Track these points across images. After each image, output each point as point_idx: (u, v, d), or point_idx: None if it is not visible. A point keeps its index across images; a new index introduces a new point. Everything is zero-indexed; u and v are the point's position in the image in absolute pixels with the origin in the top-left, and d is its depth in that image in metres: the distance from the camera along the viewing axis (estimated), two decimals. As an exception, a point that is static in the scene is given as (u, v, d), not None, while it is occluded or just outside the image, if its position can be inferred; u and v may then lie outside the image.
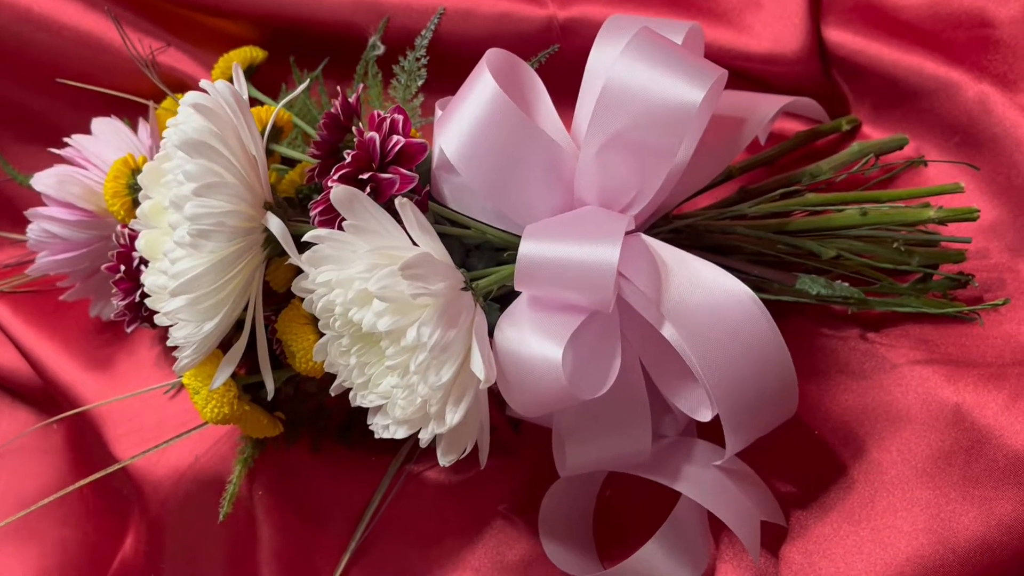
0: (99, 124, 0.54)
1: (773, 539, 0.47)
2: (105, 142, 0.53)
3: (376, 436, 0.43)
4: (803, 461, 0.48)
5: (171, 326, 0.42)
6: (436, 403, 0.38)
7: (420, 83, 0.54)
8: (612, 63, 0.41)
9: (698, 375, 0.40)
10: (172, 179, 0.40)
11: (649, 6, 0.55)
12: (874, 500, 0.46)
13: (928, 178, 0.53)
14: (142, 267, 0.49)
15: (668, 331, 0.40)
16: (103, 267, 0.50)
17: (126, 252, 0.49)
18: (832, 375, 0.49)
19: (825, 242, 0.47)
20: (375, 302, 0.38)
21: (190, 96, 0.41)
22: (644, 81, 0.40)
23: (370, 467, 0.52)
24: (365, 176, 0.41)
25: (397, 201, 0.37)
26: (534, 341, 0.39)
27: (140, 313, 0.50)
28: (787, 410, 0.43)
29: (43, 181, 0.51)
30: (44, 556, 0.55)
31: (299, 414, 0.51)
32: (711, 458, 0.46)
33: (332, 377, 0.42)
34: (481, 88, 0.42)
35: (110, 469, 0.49)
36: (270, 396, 0.44)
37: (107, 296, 0.56)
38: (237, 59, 0.56)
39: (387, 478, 0.52)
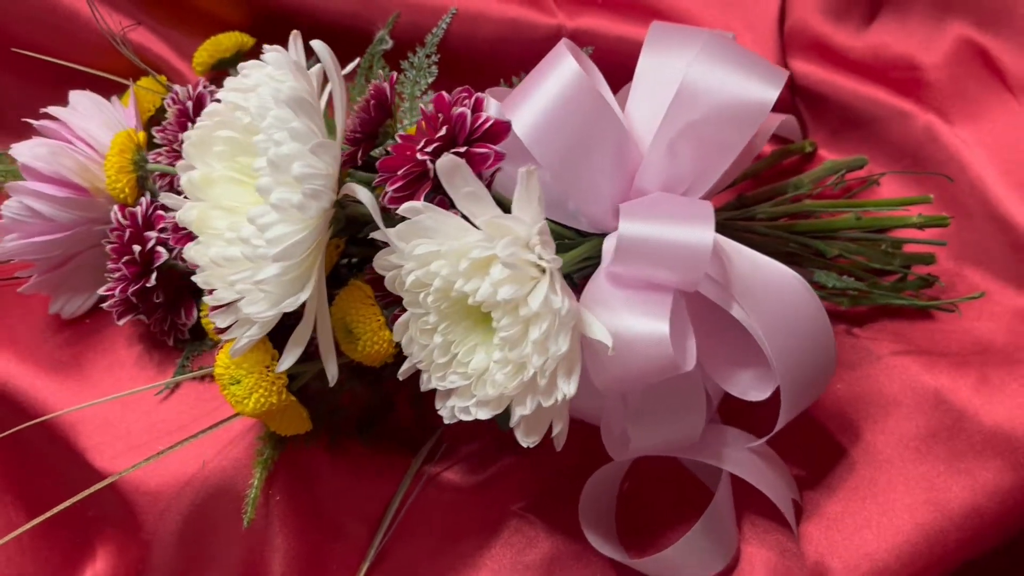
0: (78, 97, 0.49)
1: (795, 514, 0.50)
2: (88, 116, 0.48)
3: (446, 421, 0.41)
4: (807, 447, 0.52)
5: (229, 304, 0.39)
6: (547, 375, 0.38)
7: (431, 80, 0.54)
8: (688, 62, 0.43)
9: (766, 351, 0.43)
10: (266, 139, 0.37)
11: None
12: (875, 479, 0.51)
13: (880, 194, 0.60)
14: (159, 248, 0.45)
15: (737, 311, 0.43)
16: (107, 247, 0.45)
17: (137, 232, 0.45)
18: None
19: (827, 243, 0.52)
20: (494, 271, 0.37)
21: (273, 56, 0.39)
22: (721, 79, 0.42)
23: (387, 468, 0.50)
24: (461, 150, 0.40)
25: (524, 170, 0.37)
26: (632, 317, 0.40)
27: (146, 301, 0.45)
28: (826, 382, 0.46)
29: (31, 152, 0.45)
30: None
31: (317, 411, 0.48)
32: (743, 442, 0.49)
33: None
34: (561, 70, 0.42)
35: (109, 480, 0.44)
36: (333, 382, 0.41)
37: (75, 290, 0.50)
38: (227, 43, 0.54)
39: (406, 480, 0.50)
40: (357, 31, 0.54)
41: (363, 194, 0.39)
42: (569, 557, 0.51)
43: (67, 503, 0.42)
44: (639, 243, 0.40)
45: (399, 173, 0.41)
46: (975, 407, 0.51)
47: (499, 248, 0.36)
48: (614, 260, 0.41)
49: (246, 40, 0.54)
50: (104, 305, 0.47)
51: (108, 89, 0.52)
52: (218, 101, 0.40)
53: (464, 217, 0.39)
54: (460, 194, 0.38)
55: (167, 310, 0.48)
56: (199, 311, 0.48)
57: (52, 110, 0.48)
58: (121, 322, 0.47)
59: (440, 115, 0.41)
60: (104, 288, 0.47)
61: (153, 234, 0.45)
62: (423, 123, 0.42)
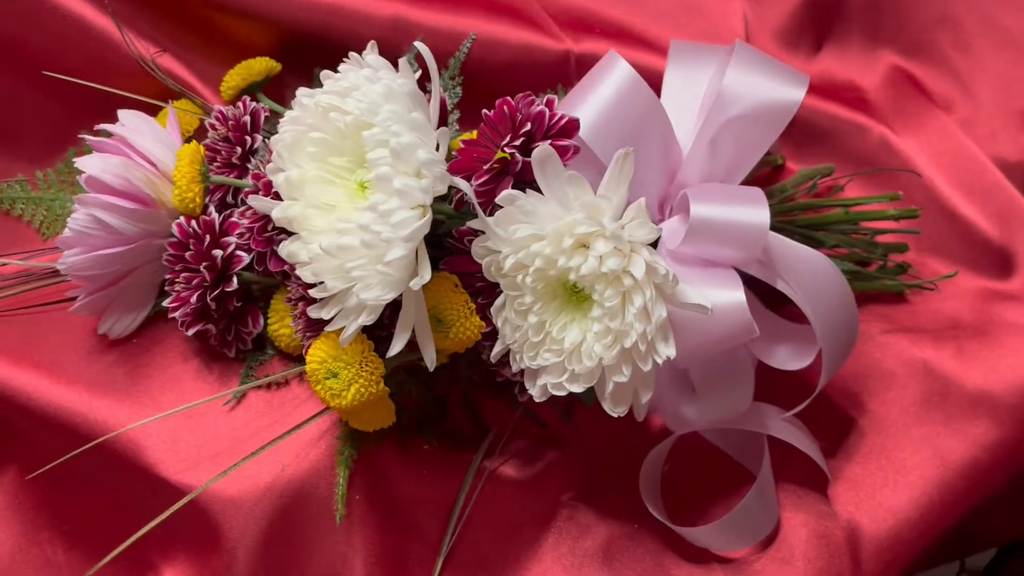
0: (127, 115, 0.49)
1: (820, 483, 0.55)
2: (140, 132, 0.48)
3: (537, 399, 0.44)
4: (822, 420, 0.57)
5: (337, 293, 0.41)
6: (647, 342, 0.41)
7: (456, 100, 0.57)
8: (716, 69, 0.49)
9: (811, 319, 0.48)
10: (382, 131, 0.39)
11: (646, 47, 0.63)
12: (884, 443, 0.56)
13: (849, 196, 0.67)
14: (239, 253, 0.45)
15: (782, 285, 0.48)
16: (167, 257, 0.45)
17: (215, 238, 0.45)
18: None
19: (825, 234, 0.58)
20: (598, 245, 0.40)
21: (375, 58, 0.42)
22: (756, 81, 0.48)
23: (448, 465, 0.51)
24: (542, 144, 0.44)
25: (622, 152, 0.41)
26: (709, 289, 0.44)
27: (222, 307, 0.46)
28: (852, 347, 0.52)
29: (101, 165, 0.45)
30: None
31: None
32: (776, 414, 0.53)
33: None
34: (616, 72, 0.47)
35: (200, 488, 0.43)
36: (432, 367, 0.43)
37: (125, 308, 0.49)
38: (258, 68, 0.55)
39: (469, 476, 0.51)
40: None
41: (463, 184, 0.42)
42: (623, 539, 0.53)
43: (155, 522, 0.42)
44: (709, 223, 0.45)
45: (484, 168, 0.44)
46: (957, 374, 0.58)
47: (607, 223, 0.40)
48: (685, 240, 0.45)
49: (275, 65, 0.55)
50: (175, 315, 0.46)
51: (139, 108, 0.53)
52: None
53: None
54: (556, 179, 0.41)
55: (232, 319, 0.48)
56: (266, 320, 0.49)
57: (108, 127, 0.48)
58: (190, 332, 0.47)
59: (519, 114, 0.44)
60: (170, 300, 0.47)
61: (232, 239, 0.45)
62: (486, 127, 0.46)
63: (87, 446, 0.44)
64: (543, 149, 0.41)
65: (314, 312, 0.43)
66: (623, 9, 0.65)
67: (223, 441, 0.47)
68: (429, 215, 0.40)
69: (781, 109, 0.48)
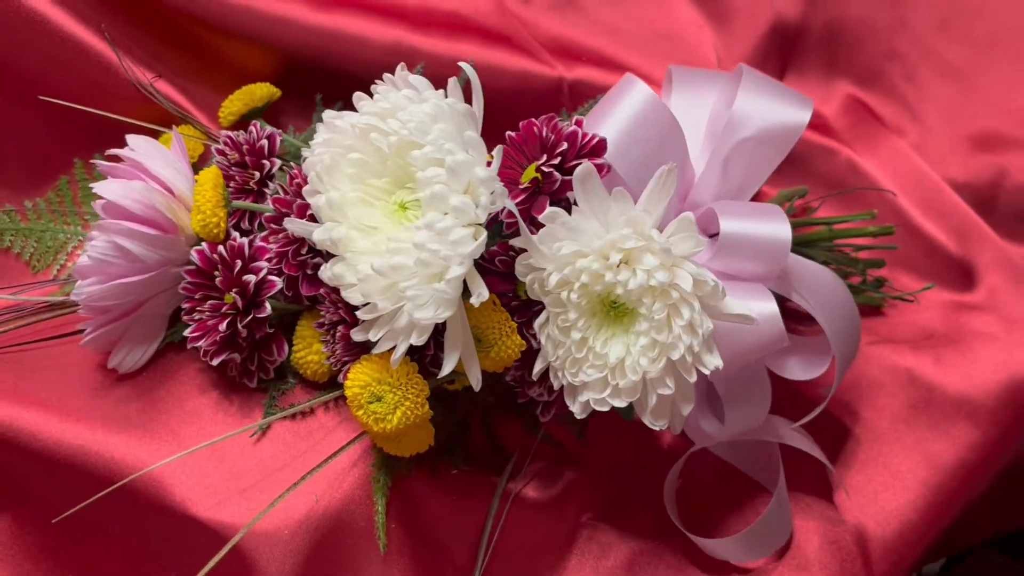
0: (136, 140, 0.47)
1: (825, 491, 0.57)
2: (152, 158, 0.47)
3: (578, 415, 0.44)
4: (820, 429, 0.59)
5: (383, 314, 0.40)
6: (693, 354, 0.42)
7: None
8: (731, 91, 0.51)
9: (825, 329, 0.50)
10: (435, 149, 0.39)
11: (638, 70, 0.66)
12: (880, 450, 0.59)
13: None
14: (271, 278, 0.44)
15: (796, 298, 0.50)
16: (215, 280, 0.43)
17: (245, 264, 0.44)
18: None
19: (813, 251, 0.61)
20: (646, 259, 0.41)
21: (419, 79, 0.42)
22: (765, 104, 0.50)
23: (472, 489, 0.51)
24: (575, 163, 0.44)
25: (665, 168, 0.42)
26: (741, 301, 0.45)
27: (254, 333, 0.44)
28: (856, 352, 0.54)
29: (121, 190, 0.43)
30: None
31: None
32: (785, 424, 0.55)
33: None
34: (635, 93, 0.48)
35: (247, 527, 0.42)
36: (478, 387, 0.43)
37: (136, 341, 0.47)
38: (260, 93, 0.54)
39: (495, 500, 0.51)
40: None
41: (510, 204, 0.42)
42: (645, 556, 0.53)
43: (210, 566, 0.40)
44: (738, 239, 0.46)
45: (519, 188, 0.44)
46: (938, 380, 0.61)
47: (656, 237, 0.41)
48: (716, 255, 0.46)
49: (275, 91, 0.55)
50: (198, 344, 0.44)
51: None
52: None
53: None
54: (596, 196, 0.42)
55: (255, 348, 0.46)
56: (290, 347, 0.47)
57: (118, 152, 0.46)
58: (215, 361, 0.45)
59: (550, 134, 0.45)
60: (191, 330, 0.45)
61: (263, 264, 0.44)
62: (511, 148, 0.46)
63: (114, 487, 0.42)
64: (585, 167, 0.42)
65: (359, 334, 0.42)
66: (605, 40, 0.67)
67: (252, 474, 0.45)
68: (484, 233, 0.40)
69: (789, 130, 0.50)
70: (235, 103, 0.53)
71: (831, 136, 0.72)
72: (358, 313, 0.41)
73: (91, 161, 0.46)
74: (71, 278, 0.52)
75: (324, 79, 0.57)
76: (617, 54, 0.67)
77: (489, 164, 0.40)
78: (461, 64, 0.41)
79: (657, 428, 0.44)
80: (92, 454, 0.45)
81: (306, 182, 0.45)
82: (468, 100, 0.43)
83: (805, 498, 0.56)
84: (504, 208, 0.43)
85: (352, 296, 0.41)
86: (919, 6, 0.76)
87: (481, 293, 0.39)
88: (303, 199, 0.44)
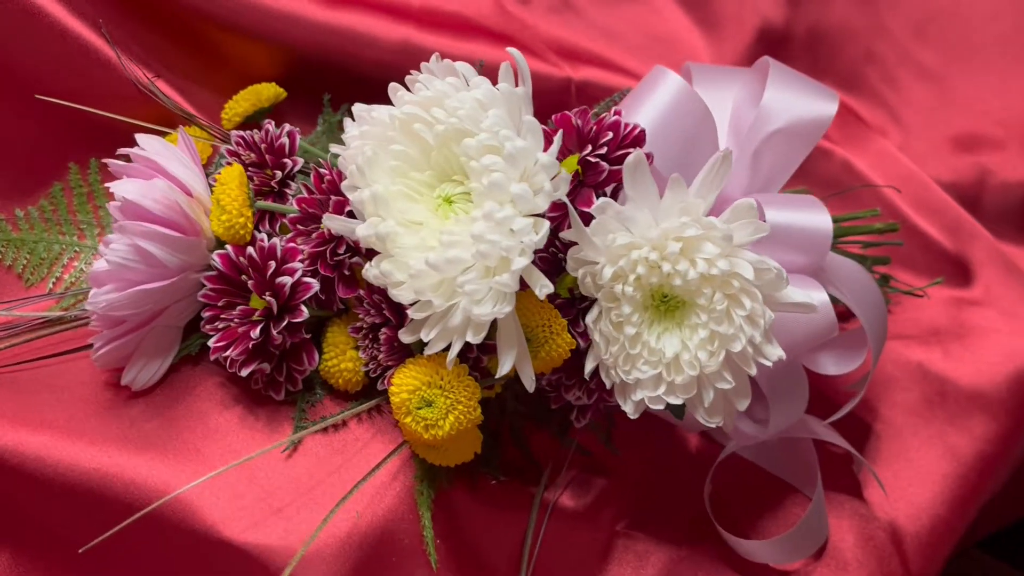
0: (147, 140, 0.44)
1: (854, 488, 0.56)
2: (166, 157, 0.44)
3: (631, 415, 0.42)
4: (838, 425, 0.58)
5: (433, 313, 0.38)
6: (754, 346, 0.41)
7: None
8: (755, 86, 0.50)
9: (862, 320, 0.49)
10: (490, 136, 0.37)
11: (629, 76, 0.65)
12: (901, 445, 0.58)
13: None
14: (306, 280, 0.42)
15: (832, 290, 0.49)
16: (248, 283, 0.40)
17: (279, 267, 0.41)
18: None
19: (826, 248, 0.60)
20: (705, 248, 0.40)
21: (465, 66, 0.40)
22: (794, 97, 0.50)
23: (510, 500, 0.48)
24: (620, 153, 0.43)
25: (721, 152, 0.41)
26: (795, 291, 0.44)
27: (289, 338, 0.42)
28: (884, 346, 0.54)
29: (142, 190, 0.40)
30: None
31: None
32: (815, 421, 0.54)
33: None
34: (668, 84, 0.47)
35: (304, 549, 0.39)
36: (531, 389, 0.41)
37: (151, 354, 0.44)
38: (267, 94, 0.52)
39: (534, 510, 0.48)
40: (395, 80, 0.55)
41: (562, 195, 0.40)
42: (682, 563, 0.52)
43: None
44: (782, 230, 0.45)
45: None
46: (948, 373, 0.61)
47: (720, 223, 0.39)
48: (758, 248, 0.45)
49: (281, 92, 0.52)
50: (227, 354, 0.41)
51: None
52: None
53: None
54: (645, 185, 0.40)
55: (283, 357, 0.43)
56: (320, 355, 0.44)
57: (127, 151, 0.43)
58: (244, 372, 0.42)
59: (591, 125, 0.44)
60: (216, 339, 0.42)
61: (298, 265, 0.41)
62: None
63: (143, 511, 0.38)
64: (637, 155, 0.41)
65: (407, 335, 0.40)
66: (603, 44, 0.67)
67: (286, 493, 0.42)
68: (546, 223, 0.38)
69: (817, 123, 0.50)
70: (241, 104, 0.50)
71: (825, 138, 0.72)
72: (410, 311, 0.38)
73: (93, 162, 0.42)
74: (68, 291, 0.48)
75: (329, 79, 0.55)
76: (616, 58, 0.66)
77: (545, 150, 0.38)
78: (509, 50, 0.40)
79: (712, 425, 0.43)
80: (111, 478, 0.41)
81: (339, 178, 0.42)
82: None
83: (835, 496, 0.56)
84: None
85: (402, 294, 0.38)
86: (895, 10, 0.78)
87: (544, 285, 0.37)
88: (339, 195, 0.42)
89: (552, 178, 0.37)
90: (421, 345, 0.42)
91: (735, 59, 0.74)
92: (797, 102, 0.50)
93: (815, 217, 0.46)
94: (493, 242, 0.36)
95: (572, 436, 0.52)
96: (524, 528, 0.48)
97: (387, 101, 0.43)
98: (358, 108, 0.42)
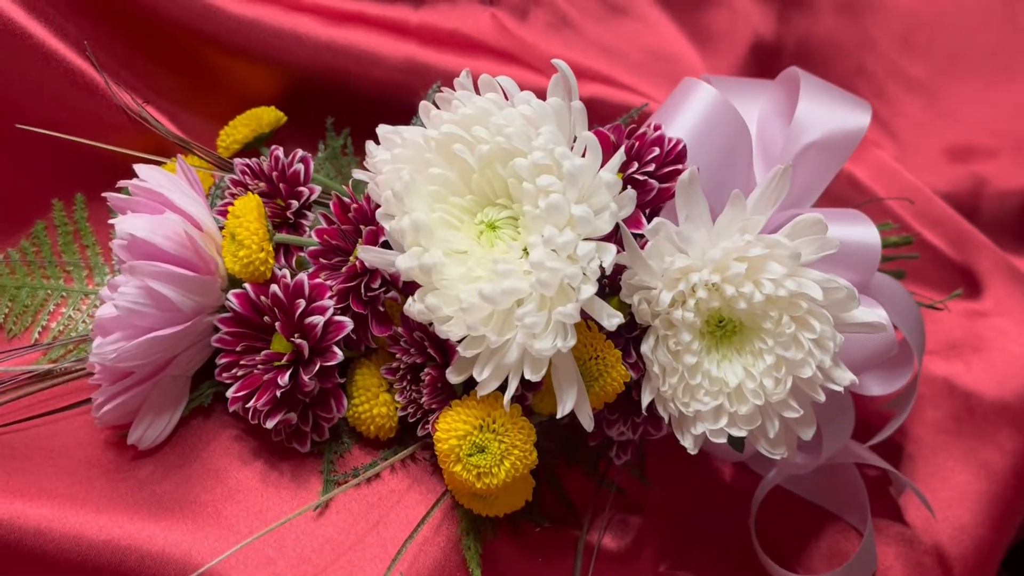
0: (146, 170, 0.40)
1: (894, 511, 0.54)
2: (170, 189, 0.40)
3: (691, 450, 0.40)
4: (873, 447, 0.56)
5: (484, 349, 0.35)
6: (824, 370, 0.38)
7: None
8: (783, 98, 0.48)
9: (906, 334, 0.48)
10: (544, 155, 0.34)
11: (631, 92, 0.62)
12: (936, 465, 0.57)
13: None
14: (339, 319, 0.38)
15: (875, 304, 0.47)
16: (275, 324, 0.36)
17: (308, 306, 0.37)
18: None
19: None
20: (770, 267, 0.37)
21: (508, 81, 0.37)
22: (828, 108, 0.48)
23: (551, 544, 0.45)
24: (668, 170, 0.40)
25: (780, 167, 0.38)
26: (863, 311, 0.42)
27: (321, 384, 0.38)
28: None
29: (151, 225, 0.36)
30: None
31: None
32: (857, 445, 0.52)
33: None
34: (702, 95, 0.45)
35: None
36: (590, 428, 0.37)
37: (158, 409, 0.39)
38: (267, 119, 0.48)
39: (579, 555, 0.45)
40: (400, 100, 0.52)
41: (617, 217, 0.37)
42: (728, 603, 0.49)
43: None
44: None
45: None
46: (972, 387, 0.60)
47: (787, 240, 0.37)
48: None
49: (281, 116, 0.48)
50: (251, 404, 0.37)
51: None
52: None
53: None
54: (698, 203, 0.38)
55: (308, 405, 0.39)
56: (350, 400, 0.40)
57: (133, 183, 0.38)
58: (270, 424, 0.37)
59: (635, 143, 0.41)
60: (236, 388, 0.38)
61: (328, 303, 0.37)
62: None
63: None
64: (691, 172, 0.38)
65: (454, 375, 0.36)
66: (604, 62, 0.65)
67: (323, 555, 0.38)
68: (612, 247, 0.35)
69: (851, 135, 0.48)
70: (240, 129, 0.47)
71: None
72: (459, 348, 0.35)
73: (79, 197, 0.38)
74: (56, 341, 0.43)
75: (329, 101, 0.51)
76: (616, 75, 0.64)
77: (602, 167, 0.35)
78: (555, 62, 0.37)
79: (776, 457, 0.40)
80: (123, 550, 0.36)
81: (370, 206, 0.39)
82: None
83: (878, 521, 0.53)
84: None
85: (452, 330, 0.35)
86: (881, 23, 0.77)
87: (612, 315, 0.34)
88: (370, 225, 0.38)
89: (614, 196, 0.34)
90: (463, 387, 0.38)
91: (730, 73, 0.72)
92: (832, 114, 0.48)
93: (862, 231, 0.44)
94: (554, 270, 0.33)
95: (600, 470, 0.49)
96: (569, 575, 0.44)
97: (390, 122, 0.40)
98: (384, 130, 0.39)
